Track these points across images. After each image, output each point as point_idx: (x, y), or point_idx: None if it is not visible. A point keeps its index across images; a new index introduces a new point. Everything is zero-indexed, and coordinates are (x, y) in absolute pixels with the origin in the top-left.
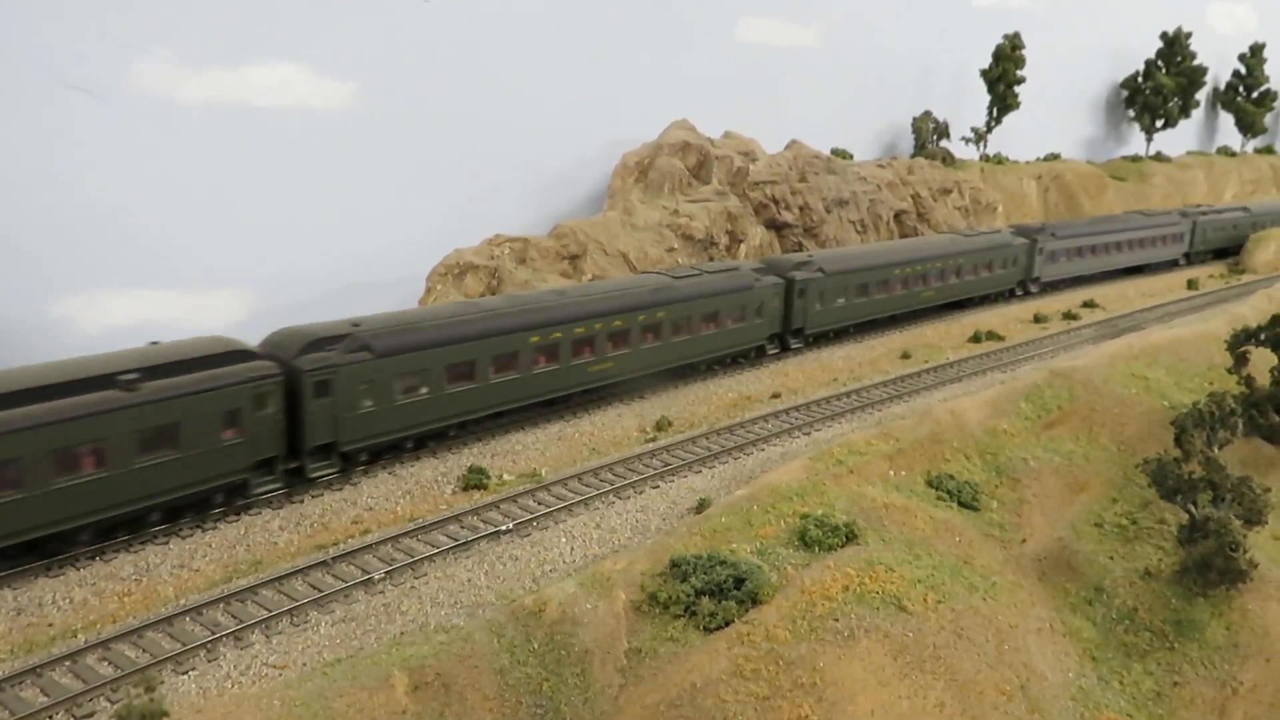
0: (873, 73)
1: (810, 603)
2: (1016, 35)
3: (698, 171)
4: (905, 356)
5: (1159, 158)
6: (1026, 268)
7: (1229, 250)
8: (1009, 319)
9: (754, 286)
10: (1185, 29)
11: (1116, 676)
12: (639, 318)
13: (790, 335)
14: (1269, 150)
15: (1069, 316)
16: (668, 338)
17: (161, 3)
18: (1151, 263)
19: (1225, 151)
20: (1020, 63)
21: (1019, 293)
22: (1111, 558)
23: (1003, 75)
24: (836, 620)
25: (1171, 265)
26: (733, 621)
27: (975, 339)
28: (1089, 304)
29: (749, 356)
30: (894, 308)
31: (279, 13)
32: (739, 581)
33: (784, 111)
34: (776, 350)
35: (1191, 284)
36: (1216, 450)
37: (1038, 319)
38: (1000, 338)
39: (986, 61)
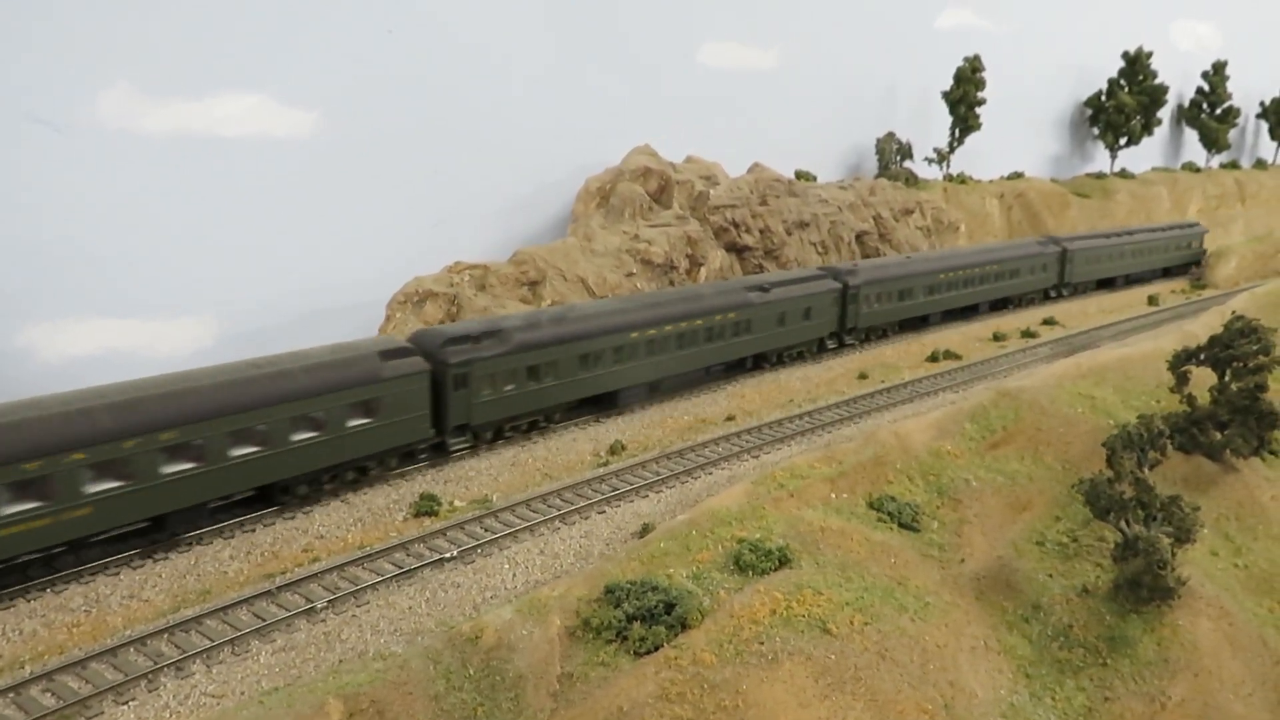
0: (836, 95)
1: (737, 626)
2: (976, 57)
3: (659, 196)
4: (862, 377)
5: (1124, 175)
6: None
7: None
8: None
9: (380, 378)
10: (1147, 48)
11: (1049, 692)
12: (163, 435)
13: (453, 432)
14: (1234, 165)
15: (1027, 335)
16: (215, 459)
17: (124, 35)
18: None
19: (1190, 167)
20: (980, 84)
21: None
22: (1050, 575)
23: (964, 97)
24: (762, 644)
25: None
26: (662, 646)
27: (933, 358)
28: (1048, 321)
29: (385, 463)
30: (629, 381)
31: (242, 43)
32: (669, 607)
33: (747, 135)
34: (426, 458)
35: (1152, 300)
36: (1147, 470)
37: (996, 337)
38: (958, 356)
39: (949, 83)
